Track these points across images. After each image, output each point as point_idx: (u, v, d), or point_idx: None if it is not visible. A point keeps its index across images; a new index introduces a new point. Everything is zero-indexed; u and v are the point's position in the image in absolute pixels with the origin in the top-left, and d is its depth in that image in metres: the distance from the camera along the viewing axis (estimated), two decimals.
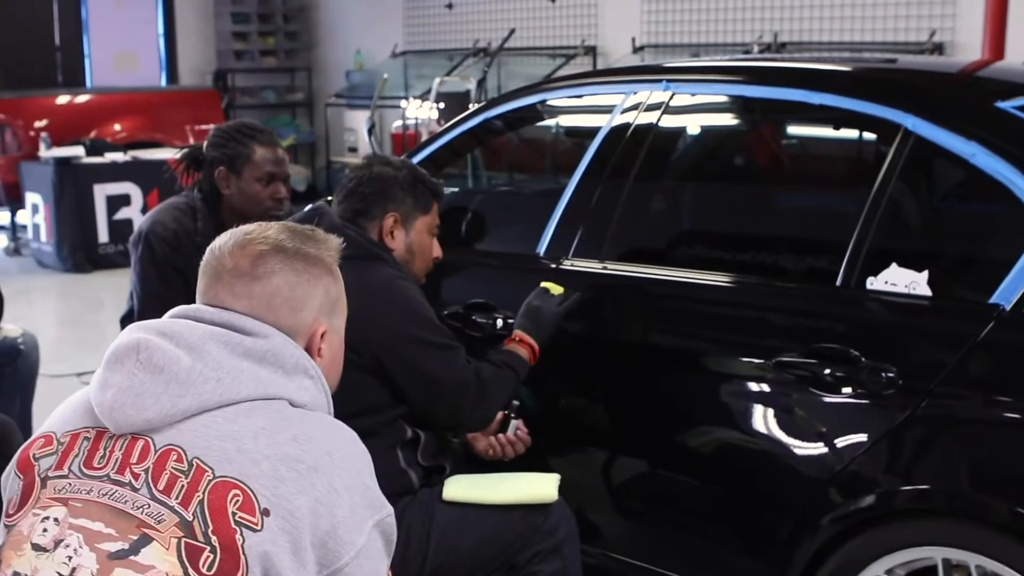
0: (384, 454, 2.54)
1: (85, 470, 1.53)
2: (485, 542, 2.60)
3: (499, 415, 2.85)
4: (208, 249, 1.74)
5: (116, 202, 8.96)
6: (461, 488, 2.65)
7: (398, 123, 10.03)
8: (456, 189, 4.59)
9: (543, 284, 2.91)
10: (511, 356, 2.79)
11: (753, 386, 2.64)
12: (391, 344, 2.58)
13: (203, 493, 1.47)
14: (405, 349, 2.60)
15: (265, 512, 1.47)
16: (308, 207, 2.99)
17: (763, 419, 2.60)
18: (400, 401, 2.64)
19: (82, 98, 10.91)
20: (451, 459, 2.84)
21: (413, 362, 2.60)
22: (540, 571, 2.60)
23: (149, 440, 1.53)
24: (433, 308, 2.74)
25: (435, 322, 2.69)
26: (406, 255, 2.81)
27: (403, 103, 9.99)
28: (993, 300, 2.33)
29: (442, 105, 9.40)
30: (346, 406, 1.81)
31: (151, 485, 1.49)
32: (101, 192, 8.91)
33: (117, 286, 7.67)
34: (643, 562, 2.86)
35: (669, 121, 3.13)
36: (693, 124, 3.49)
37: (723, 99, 3.24)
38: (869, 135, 3.05)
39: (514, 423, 2.90)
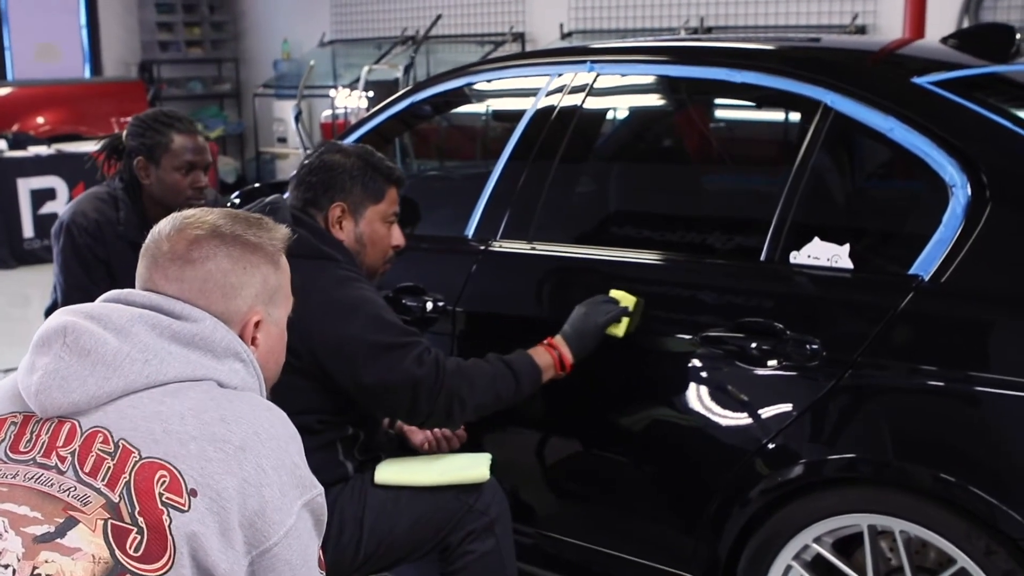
0: (323, 448, 2.54)
1: (11, 455, 1.52)
2: (418, 524, 2.59)
3: None
4: (149, 233, 1.72)
5: (41, 196, 8.80)
6: (392, 471, 2.62)
7: (327, 112, 9.97)
8: None
9: (612, 292, 2.73)
10: (519, 356, 2.66)
11: (681, 362, 2.65)
12: (332, 348, 2.50)
13: (130, 474, 1.46)
14: (345, 353, 2.50)
15: (192, 492, 1.46)
16: (258, 200, 2.91)
17: (692, 394, 2.63)
18: (341, 409, 2.58)
19: (3, 91, 10.72)
20: (386, 452, 2.81)
21: (352, 368, 2.50)
22: (473, 550, 2.59)
23: (76, 423, 1.51)
24: None
25: (382, 318, 2.56)
26: (356, 246, 2.72)
27: (332, 92, 9.94)
28: (912, 271, 2.38)
29: (371, 93, 9.36)
30: (284, 407, 1.74)
31: (77, 467, 1.48)
32: (25, 186, 8.75)
33: (43, 282, 7.52)
34: (577, 540, 2.88)
35: (594, 102, 3.15)
36: (618, 105, 3.51)
37: (647, 79, 3.26)
38: (791, 112, 3.09)
39: None
